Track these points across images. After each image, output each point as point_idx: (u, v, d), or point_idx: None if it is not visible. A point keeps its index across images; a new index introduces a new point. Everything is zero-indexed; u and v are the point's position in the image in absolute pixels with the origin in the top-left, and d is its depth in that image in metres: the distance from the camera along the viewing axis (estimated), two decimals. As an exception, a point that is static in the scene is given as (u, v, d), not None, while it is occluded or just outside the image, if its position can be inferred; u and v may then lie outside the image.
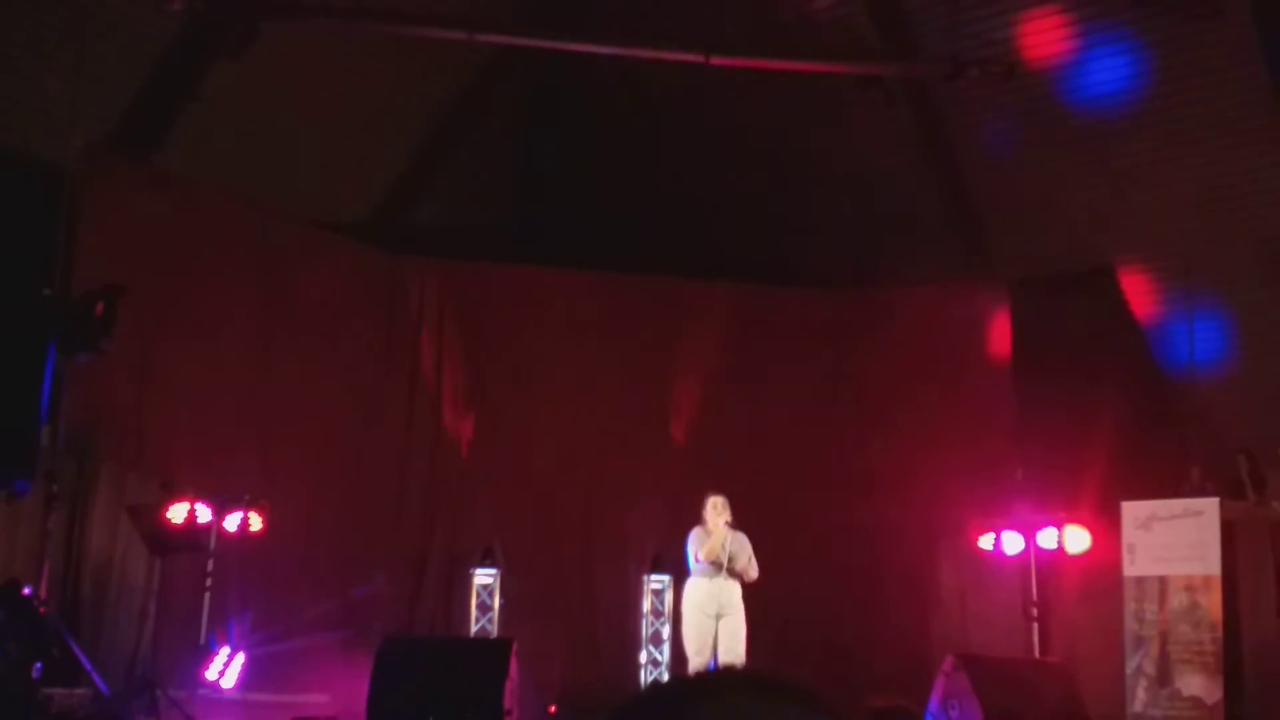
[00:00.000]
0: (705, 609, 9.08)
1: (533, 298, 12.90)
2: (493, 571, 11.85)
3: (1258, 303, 11.42)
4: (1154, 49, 10.82)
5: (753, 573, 9.15)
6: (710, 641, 9.04)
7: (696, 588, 9.20)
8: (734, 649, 8.97)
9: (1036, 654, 10.99)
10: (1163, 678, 10.14)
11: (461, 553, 12.19)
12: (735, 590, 9.13)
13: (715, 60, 10.73)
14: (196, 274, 11.08)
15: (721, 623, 9.05)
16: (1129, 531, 10.49)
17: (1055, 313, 11.99)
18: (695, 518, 9.45)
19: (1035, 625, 11.17)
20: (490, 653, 9.06)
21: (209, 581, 10.44)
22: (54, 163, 10.06)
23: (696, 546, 9.13)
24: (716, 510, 9.17)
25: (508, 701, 7.98)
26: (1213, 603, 9.97)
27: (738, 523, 9.34)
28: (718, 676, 1.20)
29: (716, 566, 9.07)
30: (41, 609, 8.70)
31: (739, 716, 1.09)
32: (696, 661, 9.19)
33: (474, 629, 11.65)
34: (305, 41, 11.23)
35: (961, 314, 12.62)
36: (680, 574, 11.70)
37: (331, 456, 11.98)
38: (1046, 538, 11.19)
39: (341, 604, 11.75)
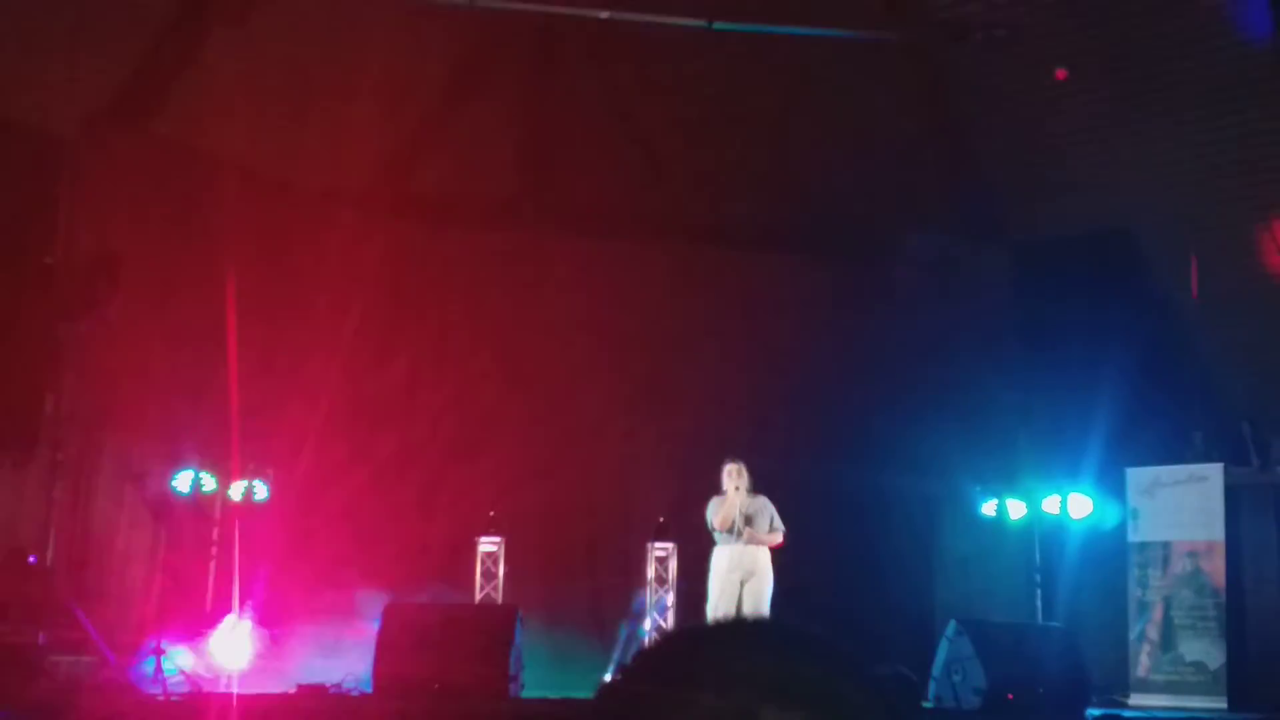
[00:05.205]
0: (730, 573, 9.12)
1: (536, 265, 12.86)
2: (497, 539, 11.86)
3: (1262, 268, 11.38)
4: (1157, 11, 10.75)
5: (776, 536, 9.18)
6: (735, 604, 9.09)
7: (719, 554, 9.27)
8: (758, 611, 9.01)
9: (1040, 619, 11.00)
10: (1166, 643, 10.16)
11: (465, 520, 12.20)
12: (760, 554, 9.16)
13: (718, 25, 10.66)
14: (198, 242, 11.04)
15: (746, 586, 9.10)
16: (1133, 497, 10.50)
17: (1060, 277, 11.96)
18: (700, 485, 9.45)
19: (1039, 591, 11.19)
20: (495, 619, 9.08)
21: (214, 550, 10.45)
22: (54, 131, 10.01)
23: (712, 514, 9.17)
24: (731, 477, 9.21)
25: (512, 667, 8.00)
26: (1216, 568, 9.99)
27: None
28: (733, 624, 1.19)
29: (733, 532, 9.09)
30: (48, 577, 8.72)
31: (752, 665, 1.08)
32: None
33: (479, 596, 11.67)
34: (305, 7, 11.15)
35: (967, 278, 12.58)
36: (683, 541, 11.74)
37: (335, 424, 11.97)
38: (1050, 504, 11.19)
39: (346, 571, 11.76)
